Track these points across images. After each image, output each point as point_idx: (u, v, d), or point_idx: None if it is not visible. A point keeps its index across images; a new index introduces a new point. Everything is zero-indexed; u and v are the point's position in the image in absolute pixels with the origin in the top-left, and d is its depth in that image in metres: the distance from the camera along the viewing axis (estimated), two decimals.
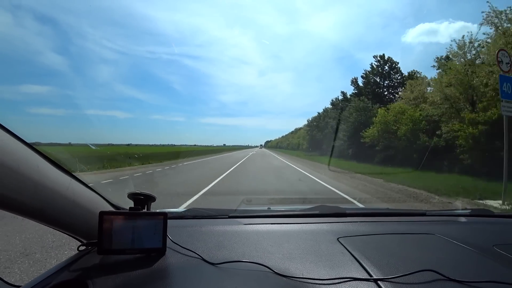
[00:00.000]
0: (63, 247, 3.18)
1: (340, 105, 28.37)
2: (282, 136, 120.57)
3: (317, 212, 1.47)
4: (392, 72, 26.13)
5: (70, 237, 0.93)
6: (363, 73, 27.33)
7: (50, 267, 0.83)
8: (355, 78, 28.29)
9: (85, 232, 0.91)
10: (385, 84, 26.49)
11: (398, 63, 25.93)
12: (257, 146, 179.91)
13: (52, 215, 0.77)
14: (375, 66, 26.65)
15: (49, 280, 0.75)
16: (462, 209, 1.68)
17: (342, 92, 31.03)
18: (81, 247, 0.93)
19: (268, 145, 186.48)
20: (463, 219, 1.45)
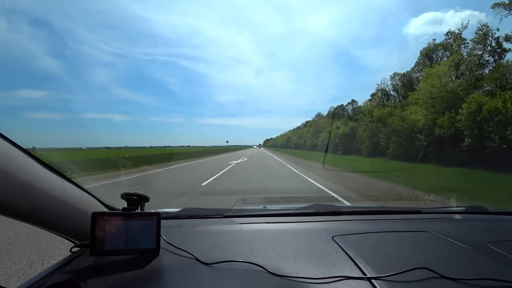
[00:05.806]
0: (55, 249, 3.13)
1: None
2: (293, 130, 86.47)
3: (312, 211, 1.47)
4: None
5: (63, 239, 0.92)
6: None
7: (42, 269, 0.82)
8: None
9: (77, 233, 0.90)
10: None
11: None
12: (254, 146, 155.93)
13: (44, 216, 0.76)
14: None
15: (42, 282, 0.75)
16: (456, 206, 1.69)
17: None
18: (74, 248, 0.92)
19: (268, 144, 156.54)
20: (457, 216, 1.46)
